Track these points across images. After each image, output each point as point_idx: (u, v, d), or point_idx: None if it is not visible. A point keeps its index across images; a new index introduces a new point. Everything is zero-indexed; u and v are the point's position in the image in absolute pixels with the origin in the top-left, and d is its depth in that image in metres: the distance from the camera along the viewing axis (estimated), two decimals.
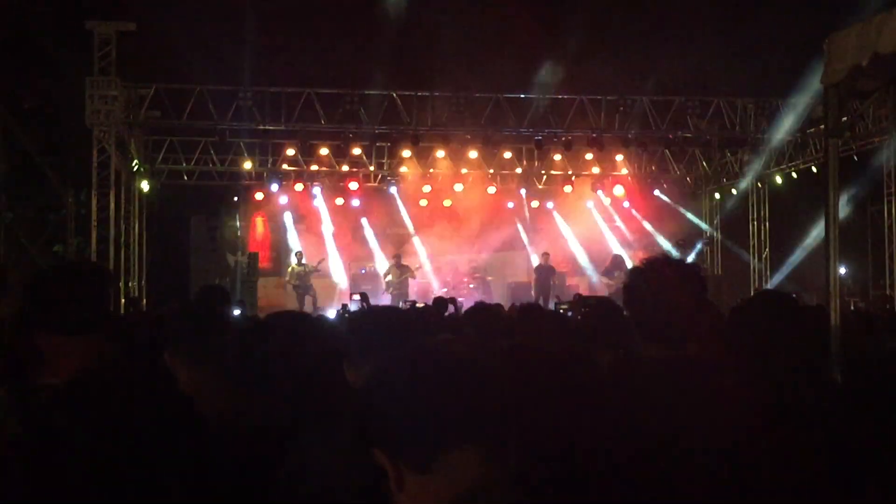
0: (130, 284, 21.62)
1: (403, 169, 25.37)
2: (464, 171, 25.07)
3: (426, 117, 21.52)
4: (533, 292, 23.63)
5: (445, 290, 24.08)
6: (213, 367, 3.36)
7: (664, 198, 27.47)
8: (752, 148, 23.83)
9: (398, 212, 27.06)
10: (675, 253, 24.69)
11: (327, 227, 26.69)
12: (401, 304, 18.11)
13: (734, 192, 26.55)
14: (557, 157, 25.08)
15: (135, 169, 23.07)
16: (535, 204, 27.68)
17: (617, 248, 25.95)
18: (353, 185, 25.27)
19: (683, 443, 2.56)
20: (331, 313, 16.35)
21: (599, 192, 26.41)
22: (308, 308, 22.07)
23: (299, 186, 25.16)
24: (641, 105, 21.76)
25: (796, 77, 20.24)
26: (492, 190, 26.10)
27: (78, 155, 20.85)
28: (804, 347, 4.05)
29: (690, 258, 25.62)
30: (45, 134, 21.77)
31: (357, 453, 1.81)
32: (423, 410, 1.72)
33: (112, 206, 19.98)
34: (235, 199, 26.30)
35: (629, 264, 21.95)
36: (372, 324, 3.63)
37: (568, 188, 25.97)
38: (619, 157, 25.21)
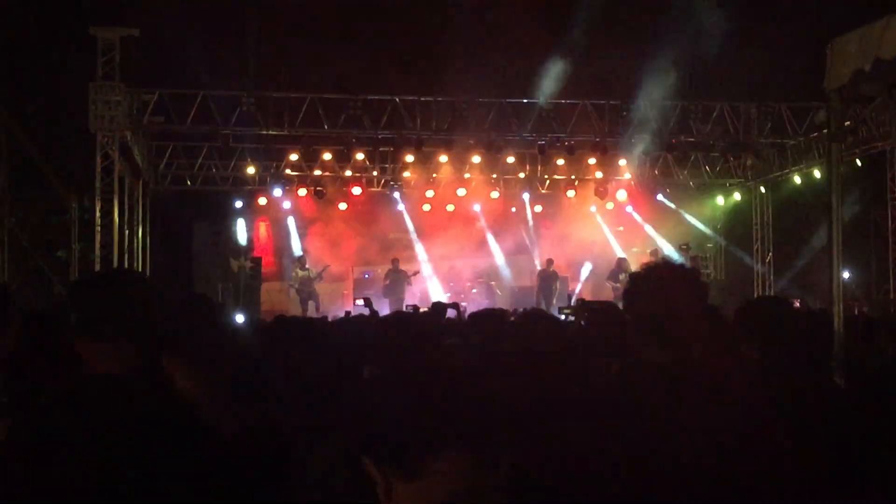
0: None
1: (406, 174, 25.38)
2: (467, 175, 25.07)
3: (429, 122, 21.53)
4: (535, 297, 23.63)
5: (449, 294, 24.10)
6: (211, 371, 3.36)
7: (667, 202, 27.47)
8: (754, 152, 23.82)
9: (401, 217, 27.08)
10: (677, 257, 24.69)
11: (330, 232, 26.69)
12: (405, 307, 18.09)
13: (737, 196, 26.54)
14: (560, 161, 25.08)
15: (138, 174, 23.08)
16: (538, 208, 27.68)
17: (620, 253, 25.92)
18: (357, 190, 25.27)
19: (682, 447, 2.56)
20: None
21: (602, 198, 26.40)
22: (311, 313, 22.09)
23: (302, 191, 25.16)
24: (644, 110, 21.75)
25: (799, 81, 20.24)
26: (495, 195, 26.11)
27: (81, 160, 20.88)
28: (806, 352, 4.05)
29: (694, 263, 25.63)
30: (49, 139, 21.80)
31: (349, 461, 1.82)
32: (409, 417, 1.72)
33: (115, 211, 20.00)
34: (239, 204, 26.30)
35: (633, 268, 21.94)
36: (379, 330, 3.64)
37: (571, 193, 25.96)
38: (622, 162, 25.20)
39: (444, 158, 24.06)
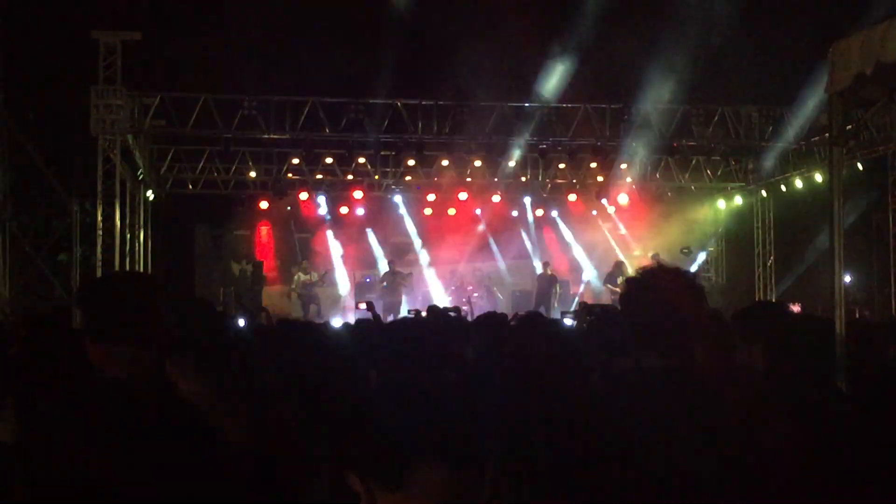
0: None
1: (408, 178, 25.39)
2: (468, 179, 25.07)
3: (431, 126, 21.54)
4: (533, 301, 23.63)
5: (451, 298, 24.08)
6: (215, 377, 3.36)
7: (668, 206, 27.45)
8: (756, 156, 23.81)
9: (402, 220, 27.08)
10: (681, 261, 24.68)
11: (331, 236, 26.71)
12: (408, 311, 18.08)
13: (738, 200, 26.53)
14: (562, 165, 25.08)
15: (140, 178, 23.11)
16: (539, 212, 27.68)
17: (622, 257, 25.92)
18: (358, 194, 25.27)
19: (681, 452, 2.56)
20: (336, 322, 16.35)
21: (603, 201, 26.41)
22: (312, 317, 22.09)
23: (304, 195, 25.17)
24: (646, 113, 21.76)
25: (801, 85, 20.26)
26: (496, 198, 26.11)
27: (83, 164, 20.90)
28: (807, 356, 4.05)
29: (695, 267, 25.64)
30: (51, 143, 21.80)
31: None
32: (391, 429, 1.72)
33: (117, 215, 20.01)
34: (240, 207, 26.31)
35: (631, 271, 21.93)
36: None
37: (572, 196, 25.96)
38: (624, 166, 25.20)
39: (445, 162, 24.07)
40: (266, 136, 21.65)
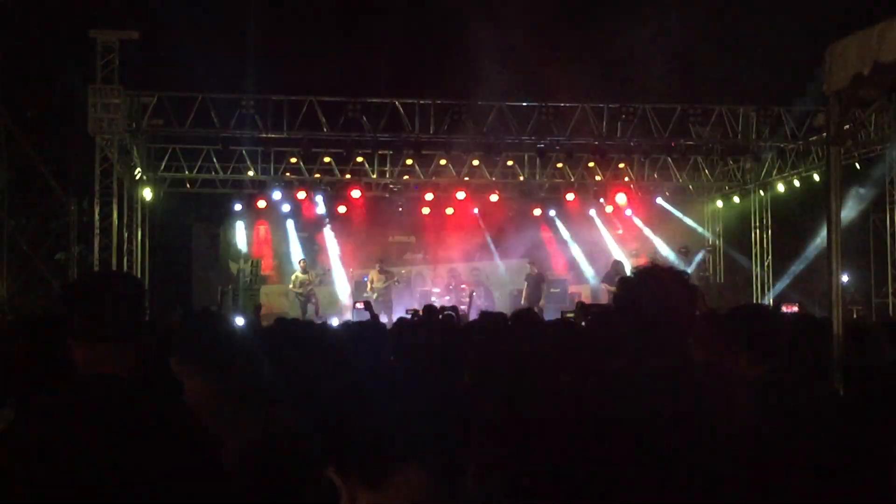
0: None
1: (406, 177, 25.39)
2: (466, 178, 25.07)
3: (428, 125, 21.54)
4: (523, 301, 23.57)
5: (448, 297, 24.06)
6: (221, 377, 3.36)
7: (666, 205, 27.49)
8: (753, 156, 23.83)
9: (400, 220, 27.08)
10: (676, 260, 24.68)
11: (329, 235, 26.71)
12: (405, 311, 18.07)
13: (736, 199, 26.55)
14: (559, 164, 25.10)
15: (137, 177, 23.11)
16: (537, 211, 27.69)
17: (618, 256, 25.92)
18: (356, 193, 25.26)
19: (675, 451, 2.56)
20: (334, 321, 16.35)
21: (601, 200, 26.43)
22: (310, 316, 22.09)
23: (302, 194, 25.16)
24: (643, 113, 21.77)
25: (798, 85, 20.29)
26: (494, 198, 26.11)
27: (80, 163, 20.90)
28: (802, 357, 4.06)
29: (693, 266, 25.65)
30: (48, 142, 21.79)
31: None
32: (374, 427, 1.73)
33: (115, 214, 20.01)
34: (238, 206, 26.30)
35: (629, 271, 21.92)
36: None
37: (570, 196, 25.97)
38: (621, 165, 25.22)
39: (443, 161, 24.06)
40: (264, 136, 21.64)
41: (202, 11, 22.55)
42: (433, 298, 22.69)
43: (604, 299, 21.23)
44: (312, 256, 25.80)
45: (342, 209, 26.06)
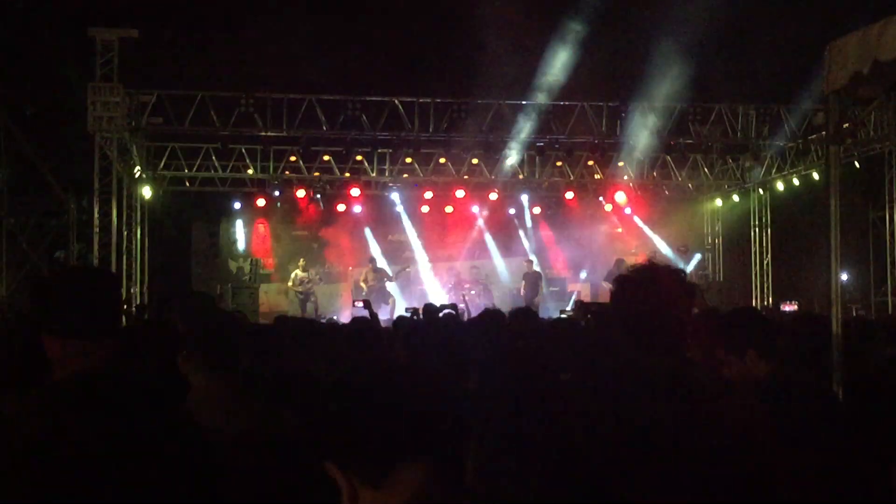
0: (133, 291, 21.63)
1: (405, 175, 25.39)
2: (465, 177, 25.08)
3: (428, 123, 21.54)
4: (524, 300, 23.58)
5: (447, 296, 24.06)
6: (226, 372, 3.37)
7: (666, 204, 27.48)
8: (753, 154, 23.83)
9: (400, 218, 27.08)
10: (675, 259, 24.70)
11: (329, 234, 26.70)
12: (405, 310, 18.07)
13: (736, 198, 26.56)
14: (559, 163, 25.10)
15: (137, 175, 23.10)
16: (536, 210, 27.70)
17: (619, 254, 25.92)
18: (355, 192, 25.25)
19: (669, 451, 2.56)
20: (332, 319, 16.34)
21: (601, 199, 26.43)
22: (310, 314, 22.10)
23: (301, 193, 25.15)
24: (643, 111, 21.78)
25: (798, 84, 20.28)
26: (493, 196, 26.11)
27: (80, 161, 20.88)
28: (799, 357, 4.06)
29: (691, 265, 25.66)
30: (48, 140, 21.78)
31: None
32: (375, 425, 1.73)
33: (114, 212, 20.01)
34: (237, 205, 26.31)
35: None
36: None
37: (569, 194, 25.97)
38: (621, 164, 25.23)
39: (442, 160, 24.05)
40: (263, 134, 21.63)
41: (201, 10, 22.56)
42: (439, 296, 22.72)
43: (606, 298, 21.21)
44: (312, 255, 25.79)
45: (341, 207, 26.05)
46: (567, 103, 21.84)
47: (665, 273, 3.09)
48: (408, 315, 11.63)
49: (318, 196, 25.25)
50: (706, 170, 26.16)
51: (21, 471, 2.38)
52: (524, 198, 27.15)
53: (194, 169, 24.96)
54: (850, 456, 3.40)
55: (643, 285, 3.02)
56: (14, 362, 3.38)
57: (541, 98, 21.60)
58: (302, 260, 24.56)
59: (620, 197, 26.28)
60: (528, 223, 27.91)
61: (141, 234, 23.14)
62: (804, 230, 23.05)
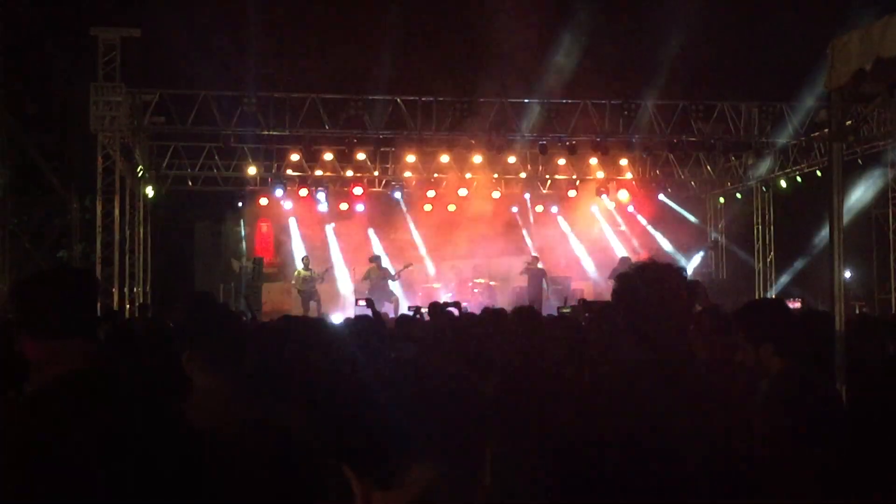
0: (136, 290, 21.65)
1: (408, 174, 25.37)
2: (468, 175, 25.06)
3: (430, 122, 21.52)
4: (527, 298, 23.54)
5: (451, 294, 24.04)
6: (230, 372, 3.36)
7: (668, 202, 27.47)
8: (756, 152, 23.80)
9: (403, 217, 27.07)
10: (678, 256, 24.68)
11: (331, 233, 26.70)
12: (408, 308, 18.05)
13: (738, 195, 26.54)
14: (562, 161, 25.07)
15: (139, 174, 23.11)
16: (539, 208, 27.69)
17: (622, 252, 25.90)
18: (358, 191, 25.24)
19: (672, 446, 2.56)
20: (336, 318, 16.34)
21: (604, 197, 26.40)
22: (313, 313, 22.08)
23: (304, 192, 25.14)
24: (646, 109, 21.75)
25: (800, 81, 20.25)
26: (496, 194, 26.10)
27: (82, 161, 20.90)
28: (805, 353, 4.05)
29: (695, 262, 25.64)
30: (50, 140, 21.81)
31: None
32: (387, 426, 1.73)
33: (117, 211, 20.01)
34: (240, 204, 26.31)
35: None
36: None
37: (572, 192, 25.95)
38: (624, 162, 25.21)
39: (445, 158, 24.03)
40: (266, 133, 21.63)
41: (203, 9, 22.57)
42: (441, 295, 22.68)
43: (608, 296, 21.18)
44: (315, 253, 25.78)
45: (344, 206, 26.04)
46: (569, 101, 21.81)
47: (667, 270, 3.08)
48: (410, 314, 11.61)
49: (321, 195, 25.23)
50: (709, 167, 26.15)
51: (18, 472, 2.38)
52: (527, 196, 27.13)
53: (196, 168, 24.98)
54: (858, 445, 3.39)
55: (645, 283, 3.02)
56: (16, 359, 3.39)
57: (543, 96, 21.58)
58: (306, 258, 24.56)
59: (623, 195, 26.27)
60: (531, 221, 27.89)
61: (143, 234, 23.14)
62: (807, 227, 23.02)
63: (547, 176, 26.20)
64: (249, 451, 2.99)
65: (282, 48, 23.79)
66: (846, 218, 6.08)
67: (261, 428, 3.13)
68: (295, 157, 24.23)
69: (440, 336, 5.95)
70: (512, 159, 24.60)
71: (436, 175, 25.21)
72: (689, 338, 3.15)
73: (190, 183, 25.55)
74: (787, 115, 22.01)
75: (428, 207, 26.40)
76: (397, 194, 26.20)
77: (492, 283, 26.00)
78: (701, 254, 27.12)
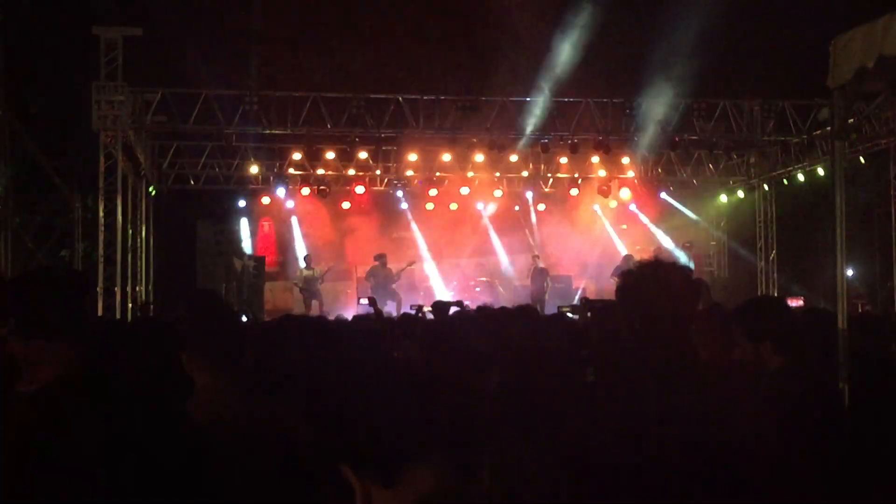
0: (138, 289, 21.66)
1: (410, 173, 25.37)
2: (470, 174, 25.06)
3: (432, 121, 21.52)
4: (530, 297, 23.55)
5: (453, 293, 24.06)
6: (230, 371, 3.36)
7: (670, 200, 27.45)
8: (758, 150, 23.78)
9: (404, 216, 27.07)
10: (681, 255, 24.66)
11: (333, 232, 26.70)
12: (410, 307, 18.05)
13: (741, 194, 26.52)
14: (564, 160, 25.06)
15: (142, 173, 23.11)
16: (541, 207, 27.68)
17: (624, 251, 25.90)
18: (360, 189, 25.25)
19: (675, 446, 2.55)
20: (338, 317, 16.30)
21: (606, 195, 26.40)
22: (315, 312, 22.08)
23: (306, 191, 25.16)
24: (647, 107, 21.74)
25: (802, 79, 20.22)
26: (498, 193, 26.10)
27: (84, 160, 20.89)
28: (807, 351, 4.05)
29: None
30: (52, 139, 21.79)
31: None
32: (388, 425, 1.72)
33: (119, 210, 20.01)
34: (242, 203, 26.31)
35: None
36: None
37: (574, 191, 25.95)
38: (626, 160, 25.20)
39: (447, 157, 24.03)
40: (267, 132, 21.63)
41: (205, 8, 22.56)
42: (444, 293, 22.70)
43: (612, 295, 21.15)
44: (316, 252, 25.79)
45: (346, 205, 26.05)
46: (572, 100, 21.80)
47: (670, 269, 3.08)
48: (412, 312, 11.61)
49: (323, 194, 25.24)
50: (711, 166, 26.12)
51: (20, 471, 2.38)
52: (529, 195, 27.13)
53: (199, 167, 25.00)
54: (861, 444, 3.39)
55: (648, 281, 3.01)
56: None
57: (545, 95, 21.56)
58: (308, 257, 24.57)
59: (625, 193, 26.27)
60: (533, 220, 27.88)
61: (146, 233, 23.16)
62: (809, 226, 22.99)
63: (549, 175, 26.18)
64: (250, 451, 2.99)
65: (284, 47, 23.79)
66: (848, 216, 6.07)
67: (261, 427, 3.13)
68: (297, 155, 24.25)
69: (442, 335, 5.94)
70: (514, 158, 24.58)
71: (438, 174, 25.21)
72: (692, 336, 3.14)
73: (192, 182, 25.56)
74: (789, 114, 21.98)
75: (430, 206, 26.41)
76: (399, 193, 26.21)
77: (494, 281, 26.03)
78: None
